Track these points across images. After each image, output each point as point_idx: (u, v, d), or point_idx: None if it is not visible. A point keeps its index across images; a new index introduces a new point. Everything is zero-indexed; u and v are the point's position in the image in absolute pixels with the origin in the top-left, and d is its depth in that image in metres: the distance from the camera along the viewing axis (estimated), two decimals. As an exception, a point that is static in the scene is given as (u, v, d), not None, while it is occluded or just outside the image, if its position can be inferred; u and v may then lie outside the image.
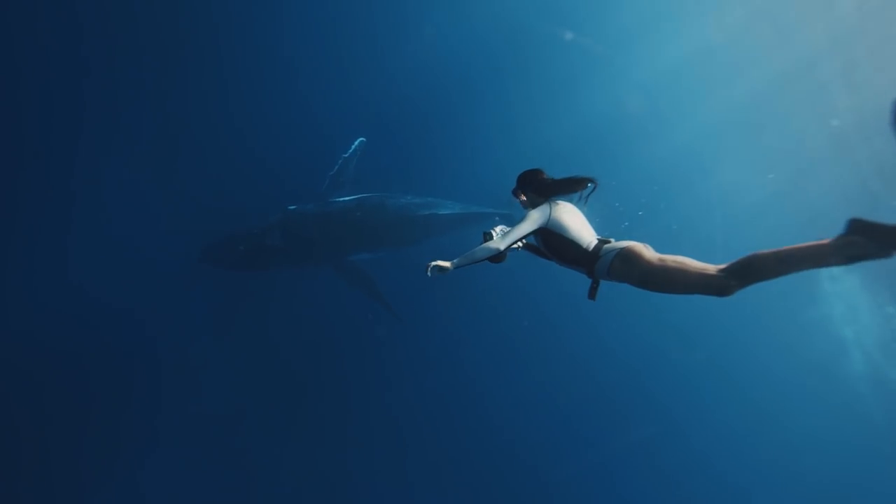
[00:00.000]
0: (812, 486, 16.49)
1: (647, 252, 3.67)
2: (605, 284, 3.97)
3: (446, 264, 3.62)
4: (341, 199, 12.12)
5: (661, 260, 3.60)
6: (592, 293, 3.95)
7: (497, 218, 3.79)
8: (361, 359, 15.25)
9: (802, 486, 16.62)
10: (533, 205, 4.00)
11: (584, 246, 3.84)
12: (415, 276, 13.51)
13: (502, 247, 3.67)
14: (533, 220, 3.82)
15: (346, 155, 12.14)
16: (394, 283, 13.10)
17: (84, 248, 14.37)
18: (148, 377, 14.21)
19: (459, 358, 15.61)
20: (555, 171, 4.12)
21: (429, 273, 3.60)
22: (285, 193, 12.60)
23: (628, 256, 3.68)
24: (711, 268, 3.47)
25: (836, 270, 16.37)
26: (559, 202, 3.98)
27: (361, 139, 12.30)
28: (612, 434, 16.37)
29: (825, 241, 3.22)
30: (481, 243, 3.80)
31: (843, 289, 16.89)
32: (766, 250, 3.34)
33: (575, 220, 3.94)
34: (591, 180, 3.85)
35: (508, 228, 3.90)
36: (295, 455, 14.33)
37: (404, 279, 13.95)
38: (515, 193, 4.14)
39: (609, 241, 3.87)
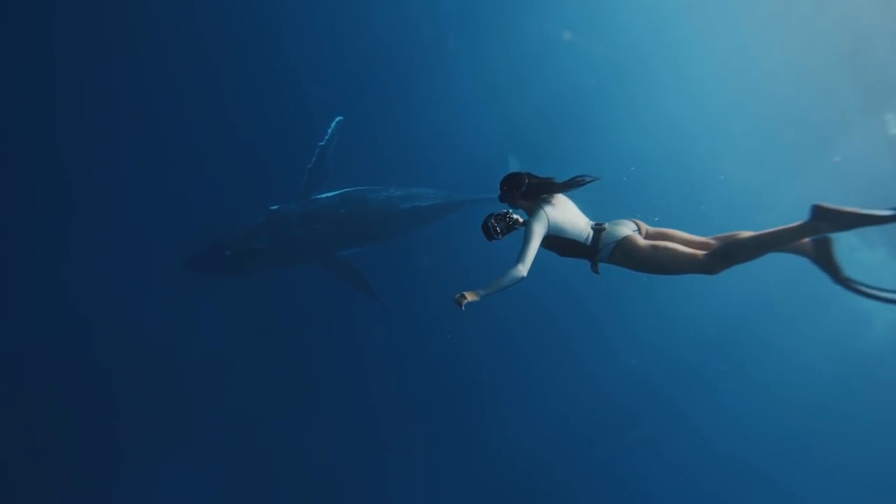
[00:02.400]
0: (836, 458, 16.08)
1: (642, 241, 3.91)
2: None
3: (474, 297, 3.63)
4: (323, 195, 11.88)
5: (653, 247, 3.85)
6: (594, 269, 4.12)
7: (515, 215, 3.85)
8: (365, 356, 15.09)
9: (825, 459, 16.18)
10: (527, 210, 4.05)
11: (583, 241, 4.00)
12: (415, 273, 13.28)
13: (525, 272, 3.73)
14: (538, 233, 3.87)
15: (322, 143, 11.74)
16: (395, 280, 13.10)
17: (88, 251, 14.23)
18: (147, 381, 14.02)
19: (463, 355, 15.32)
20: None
21: (462, 308, 3.60)
22: (262, 191, 12.33)
23: (626, 248, 3.91)
24: (699, 252, 3.79)
25: (854, 241, 15.87)
26: (550, 200, 4.03)
27: (339, 118, 11.89)
28: (619, 430, 16.04)
29: (794, 225, 3.56)
30: (481, 227, 3.94)
31: (860, 258, 15.98)
32: (744, 235, 3.70)
33: (570, 216, 4.03)
34: (583, 181, 3.99)
35: (503, 212, 3.96)
36: (305, 454, 14.21)
37: (405, 276, 13.75)
38: (507, 199, 4.12)
39: (603, 227, 4.01)
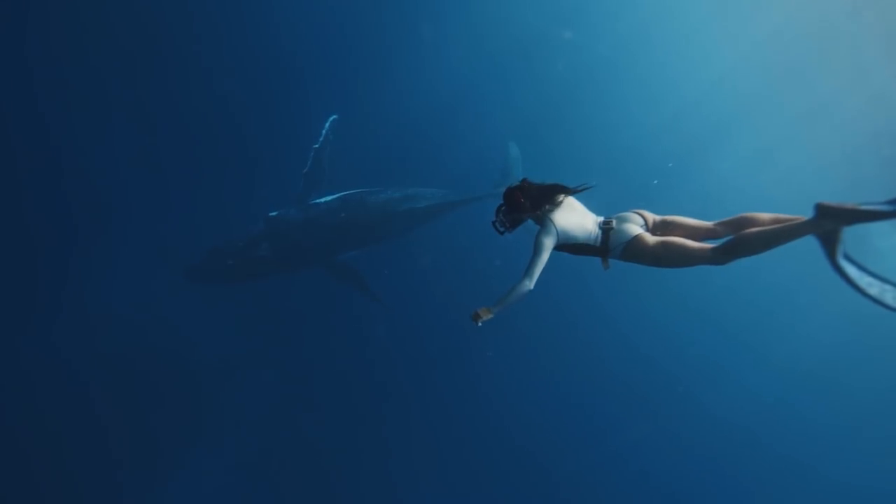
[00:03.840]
0: (866, 440, 15.79)
1: (650, 239, 3.97)
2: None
3: (489, 314, 3.78)
4: (322, 199, 11.76)
5: (662, 245, 3.92)
6: (605, 264, 4.19)
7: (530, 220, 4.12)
8: (369, 357, 15.08)
9: (855, 441, 15.90)
10: (534, 220, 4.07)
11: (592, 242, 4.08)
12: (416, 272, 13.07)
13: (531, 286, 3.85)
14: (547, 246, 3.94)
15: (317, 145, 11.55)
16: (395, 280, 13.08)
17: (92, 260, 14.31)
18: (153, 387, 14.03)
19: (470, 350, 15.16)
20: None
21: (479, 324, 3.78)
22: (260, 197, 12.18)
23: (635, 248, 3.99)
24: (707, 246, 3.89)
25: (884, 227, 15.27)
26: (556, 208, 4.05)
27: (333, 117, 11.70)
28: (634, 420, 15.79)
29: (798, 223, 3.65)
30: (492, 221, 4.06)
31: (891, 244, 15.35)
32: (751, 230, 3.75)
33: (577, 218, 4.08)
34: (586, 187, 4.10)
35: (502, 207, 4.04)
36: (311, 457, 14.21)
37: (405, 276, 13.55)
38: (516, 209, 4.04)
39: (611, 226, 4.07)
